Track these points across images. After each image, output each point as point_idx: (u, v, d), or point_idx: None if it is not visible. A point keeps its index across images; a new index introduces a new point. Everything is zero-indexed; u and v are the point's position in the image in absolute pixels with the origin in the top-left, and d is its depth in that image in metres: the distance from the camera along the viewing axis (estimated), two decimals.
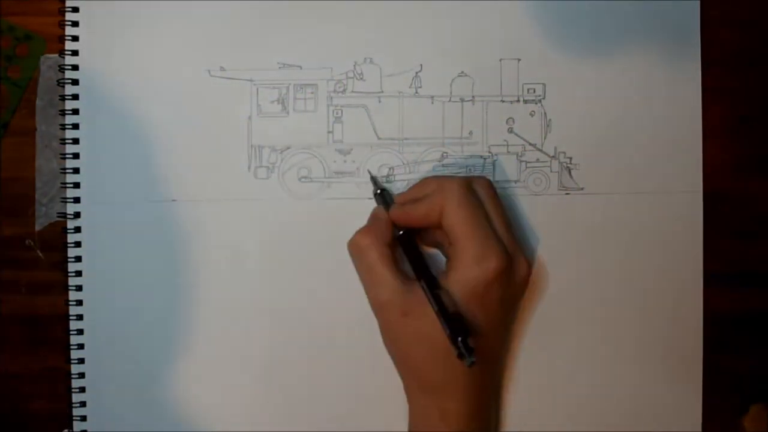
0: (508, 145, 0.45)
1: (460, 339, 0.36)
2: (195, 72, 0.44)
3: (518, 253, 0.40)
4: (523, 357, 0.44)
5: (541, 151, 0.44)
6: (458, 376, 0.38)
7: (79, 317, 0.43)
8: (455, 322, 0.37)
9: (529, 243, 0.44)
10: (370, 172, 0.44)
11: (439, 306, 0.37)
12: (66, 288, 0.43)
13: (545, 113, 0.44)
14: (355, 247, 0.41)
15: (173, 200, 0.44)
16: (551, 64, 0.44)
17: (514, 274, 0.39)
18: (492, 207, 0.40)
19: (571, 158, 0.44)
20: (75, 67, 0.43)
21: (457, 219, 0.38)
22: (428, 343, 0.38)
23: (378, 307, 0.40)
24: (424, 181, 0.41)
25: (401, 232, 0.41)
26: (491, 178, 0.44)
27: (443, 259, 0.42)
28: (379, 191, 0.43)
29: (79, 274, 0.43)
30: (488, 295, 0.38)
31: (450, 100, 0.44)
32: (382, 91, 0.44)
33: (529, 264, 0.40)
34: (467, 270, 0.38)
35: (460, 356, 0.36)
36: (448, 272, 0.39)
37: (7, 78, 0.44)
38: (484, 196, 0.40)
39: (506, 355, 0.44)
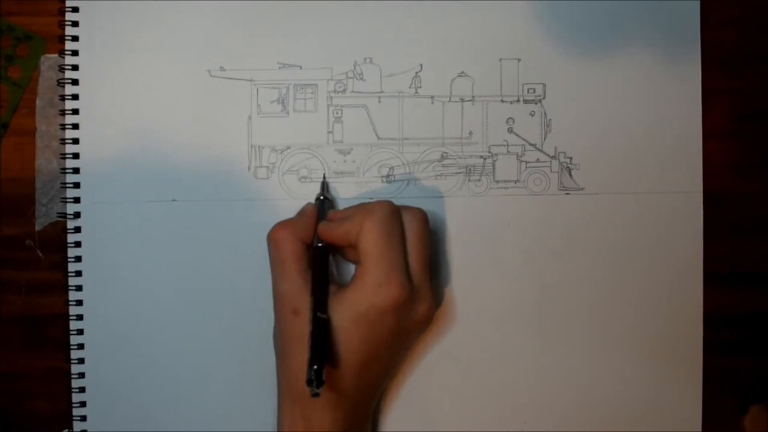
0: (508, 145, 0.45)
1: (315, 367, 0.36)
2: (195, 72, 0.44)
3: (425, 290, 0.40)
4: (522, 357, 0.44)
5: (541, 151, 0.44)
6: (327, 391, 0.38)
7: (79, 317, 0.43)
8: (318, 349, 0.37)
9: (527, 242, 0.44)
10: (324, 177, 0.44)
11: (314, 327, 0.37)
12: (66, 288, 0.43)
13: (545, 113, 0.44)
14: (270, 238, 0.41)
15: (173, 200, 0.44)
16: (551, 64, 0.44)
17: (414, 310, 0.39)
18: (415, 239, 0.39)
19: (571, 158, 0.44)
20: (75, 67, 0.43)
21: (370, 240, 0.38)
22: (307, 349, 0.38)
23: (276, 300, 0.40)
24: (360, 204, 0.41)
25: (320, 245, 0.40)
26: (491, 178, 0.44)
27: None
28: (321, 197, 0.43)
29: (79, 274, 0.43)
30: (380, 322, 0.38)
31: (450, 100, 0.44)
32: (382, 91, 0.44)
33: (433, 305, 0.40)
34: (364, 292, 0.38)
35: (309, 383, 0.36)
36: (348, 288, 0.39)
37: (7, 78, 0.44)
38: (412, 227, 0.40)
39: (390, 382, 0.43)
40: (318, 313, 0.38)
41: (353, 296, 0.38)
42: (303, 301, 0.39)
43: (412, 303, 0.39)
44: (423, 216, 0.41)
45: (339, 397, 0.38)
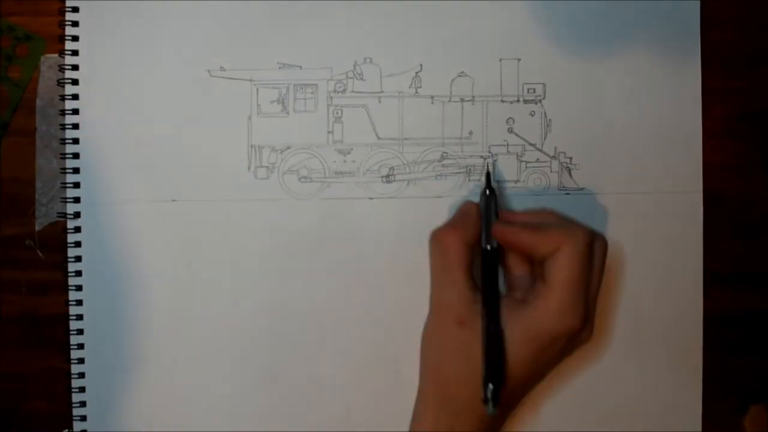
0: (508, 145, 0.45)
1: (491, 386, 0.36)
2: (195, 72, 0.44)
3: (591, 321, 0.39)
4: None
5: (541, 151, 0.44)
6: (481, 406, 0.37)
7: (79, 317, 0.43)
8: (494, 368, 0.36)
9: None
10: (488, 166, 0.43)
11: (489, 342, 0.37)
12: (66, 288, 0.43)
13: (545, 113, 0.44)
14: (437, 241, 0.40)
15: (173, 200, 0.44)
16: (551, 64, 0.44)
17: (580, 338, 0.39)
18: (597, 269, 0.39)
19: (571, 158, 0.44)
20: (75, 67, 0.43)
21: (567, 268, 0.37)
22: (470, 361, 0.37)
23: (438, 307, 0.39)
24: (544, 211, 0.40)
25: (489, 248, 0.39)
26: (491, 179, 0.44)
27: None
28: (487, 191, 0.41)
29: (79, 274, 0.43)
30: (550, 348, 0.38)
31: (450, 100, 0.44)
32: (382, 91, 0.44)
33: (592, 332, 0.39)
34: (547, 316, 0.37)
35: (485, 401, 0.36)
36: (525, 306, 0.38)
37: (7, 78, 0.44)
38: (597, 256, 0.39)
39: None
40: (491, 326, 0.37)
41: (531, 316, 0.37)
42: (471, 312, 0.38)
43: (580, 335, 0.38)
44: (606, 245, 0.39)
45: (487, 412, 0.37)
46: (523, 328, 0.37)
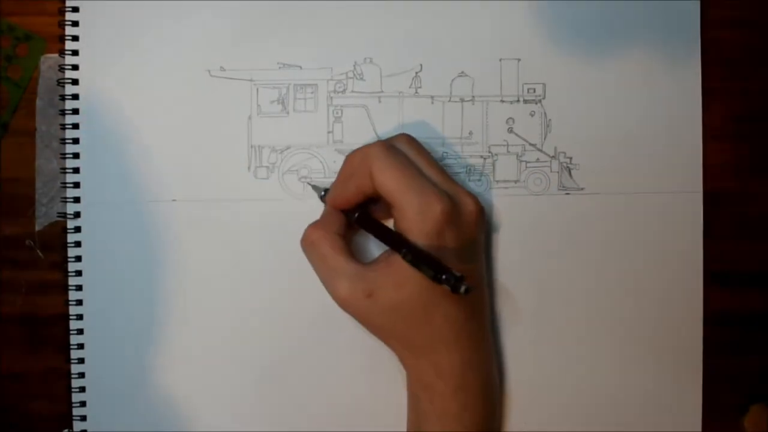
0: (508, 145, 0.45)
1: (444, 276, 0.36)
2: (195, 72, 0.44)
3: (459, 192, 0.40)
4: (522, 357, 0.44)
5: (541, 151, 0.44)
6: (442, 331, 0.39)
7: (79, 317, 0.43)
8: (434, 264, 0.36)
9: (526, 242, 0.44)
10: (309, 184, 0.44)
11: (413, 257, 0.37)
12: (66, 288, 0.43)
13: (545, 113, 0.44)
14: (306, 242, 0.40)
15: (173, 200, 0.44)
16: (551, 64, 0.44)
17: (461, 213, 0.39)
18: (419, 158, 0.40)
19: (571, 158, 0.44)
20: (75, 67, 0.43)
21: (388, 180, 0.38)
22: (404, 310, 0.38)
23: (341, 299, 0.39)
24: (348, 158, 0.41)
25: (356, 215, 0.40)
26: (491, 179, 0.44)
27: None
28: (323, 193, 0.42)
29: (79, 274, 0.43)
30: (441, 240, 0.38)
31: (450, 100, 0.44)
32: (382, 91, 0.44)
33: (474, 198, 0.40)
34: (414, 225, 0.38)
35: (455, 289, 0.35)
36: (401, 235, 0.39)
37: (7, 78, 0.44)
38: (408, 150, 0.40)
39: (486, 294, 0.43)
40: (403, 249, 0.37)
41: (407, 233, 0.38)
42: (369, 281, 0.38)
43: (456, 208, 0.39)
44: (409, 137, 0.41)
45: (455, 324, 0.39)
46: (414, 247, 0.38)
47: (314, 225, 0.41)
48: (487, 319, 0.43)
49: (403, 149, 0.40)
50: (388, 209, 0.40)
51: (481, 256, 0.42)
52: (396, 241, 0.38)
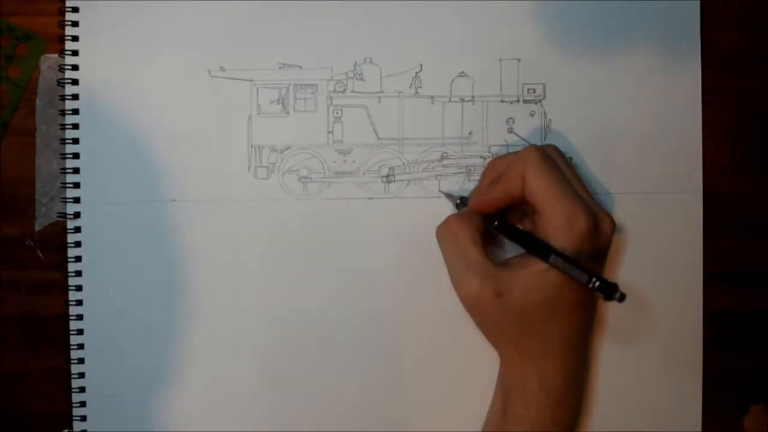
0: (508, 145, 0.45)
1: (596, 281, 0.37)
2: (195, 72, 0.44)
3: (600, 210, 0.40)
4: None
5: None
6: (555, 341, 0.39)
7: (79, 317, 0.43)
8: (586, 270, 0.37)
9: None
10: (442, 192, 0.44)
11: (567, 263, 0.37)
12: (66, 288, 0.43)
13: (545, 113, 0.44)
14: (446, 231, 0.41)
15: (173, 200, 0.44)
16: (551, 64, 0.44)
17: (601, 232, 0.40)
18: (568, 170, 0.40)
19: (571, 158, 0.44)
20: (75, 67, 0.43)
21: (541, 185, 0.38)
22: (527, 315, 0.39)
23: (470, 293, 0.39)
24: (493, 163, 0.42)
25: (496, 223, 0.40)
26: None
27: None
28: (458, 201, 0.43)
29: (79, 274, 0.43)
30: (579, 252, 0.38)
31: (450, 100, 0.44)
32: (382, 91, 0.44)
33: (611, 220, 0.40)
34: (559, 234, 0.38)
35: (609, 296, 0.36)
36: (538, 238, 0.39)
37: (7, 78, 0.44)
38: (560, 161, 0.40)
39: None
40: (552, 255, 0.37)
41: (551, 241, 0.38)
42: (500, 281, 0.39)
43: (598, 226, 0.39)
44: (558, 148, 0.42)
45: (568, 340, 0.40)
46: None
47: (456, 216, 0.41)
48: (590, 341, 0.43)
49: (554, 158, 0.40)
50: (522, 218, 0.41)
51: (602, 271, 0.42)
52: (542, 248, 0.38)
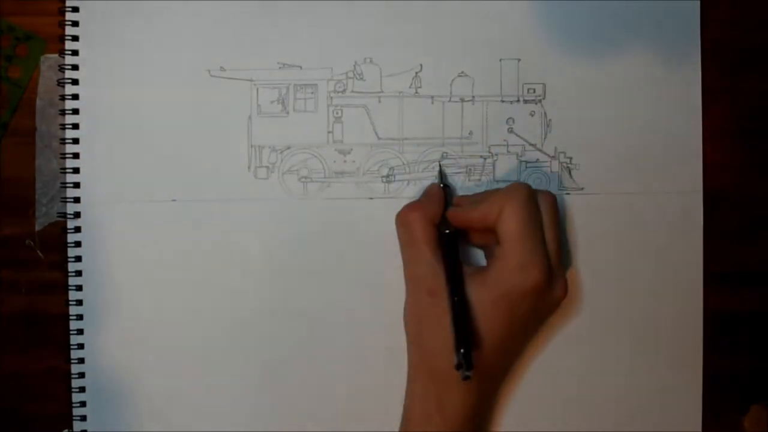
0: (508, 145, 0.45)
1: (462, 351, 0.36)
2: (195, 72, 0.44)
3: (560, 274, 0.40)
4: (521, 357, 0.44)
5: (541, 151, 0.44)
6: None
7: (79, 317, 0.43)
8: (463, 332, 0.37)
9: None
10: (440, 165, 0.44)
11: (454, 312, 0.37)
12: (66, 288, 0.43)
13: (545, 113, 0.44)
14: (402, 219, 0.41)
15: (173, 200, 0.44)
16: (551, 64, 0.44)
17: (551, 293, 0.40)
18: (549, 222, 0.40)
19: (571, 158, 0.44)
20: (75, 67, 0.43)
21: (513, 221, 0.38)
22: (446, 329, 0.38)
23: (410, 281, 0.41)
24: (487, 191, 0.42)
25: (447, 231, 0.40)
26: (491, 178, 0.44)
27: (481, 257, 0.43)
28: (442, 185, 0.43)
29: (79, 274, 0.43)
30: (520, 305, 0.38)
31: (450, 100, 0.44)
32: (382, 91, 0.44)
33: (566, 287, 0.40)
34: (508, 274, 0.38)
35: (458, 367, 0.36)
36: (488, 270, 0.39)
37: (7, 78, 0.44)
38: (545, 210, 0.40)
39: (511, 367, 0.44)
40: (455, 298, 0.38)
41: (494, 277, 0.38)
42: (439, 282, 0.39)
43: (550, 286, 0.39)
44: (554, 199, 0.41)
45: (474, 378, 0.38)
46: (490, 290, 0.38)
47: (414, 206, 0.41)
48: (501, 382, 0.43)
49: (542, 205, 0.40)
50: (488, 244, 0.41)
51: (527, 343, 0.43)
52: (457, 285, 0.38)
